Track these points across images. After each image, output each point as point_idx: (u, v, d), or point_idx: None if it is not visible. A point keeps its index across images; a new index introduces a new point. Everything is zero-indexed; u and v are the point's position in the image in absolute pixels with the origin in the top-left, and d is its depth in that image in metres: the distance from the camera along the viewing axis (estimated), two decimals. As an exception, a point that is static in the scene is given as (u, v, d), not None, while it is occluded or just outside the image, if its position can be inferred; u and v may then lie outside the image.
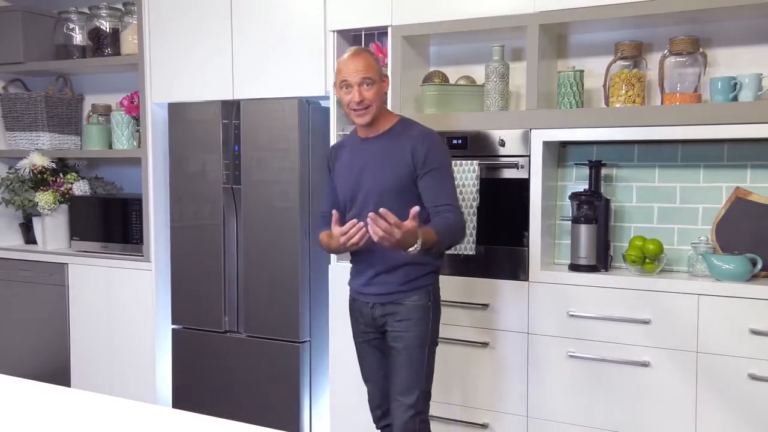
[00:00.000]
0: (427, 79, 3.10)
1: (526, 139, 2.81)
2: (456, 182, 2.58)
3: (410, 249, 2.18)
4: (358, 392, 3.01)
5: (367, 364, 2.56)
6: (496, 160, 2.87)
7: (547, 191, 2.89)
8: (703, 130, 2.53)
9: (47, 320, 4.03)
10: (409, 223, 2.13)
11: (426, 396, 2.44)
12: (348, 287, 2.58)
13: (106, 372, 3.87)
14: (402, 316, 2.40)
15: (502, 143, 2.86)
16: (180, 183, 3.57)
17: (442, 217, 2.32)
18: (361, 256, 2.47)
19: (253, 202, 3.37)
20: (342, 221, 2.30)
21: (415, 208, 2.16)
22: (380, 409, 2.56)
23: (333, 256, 3.20)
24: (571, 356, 2.74)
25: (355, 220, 2.27)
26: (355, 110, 2.38)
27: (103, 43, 3.94)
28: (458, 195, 2.49)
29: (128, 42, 3.82)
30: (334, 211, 2.32)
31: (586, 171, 2.90)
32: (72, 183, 4.02)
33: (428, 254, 2.30)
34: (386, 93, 2.42)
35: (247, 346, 3.43)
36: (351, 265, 2.58)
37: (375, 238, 2.12)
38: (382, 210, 2.11)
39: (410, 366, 2.39)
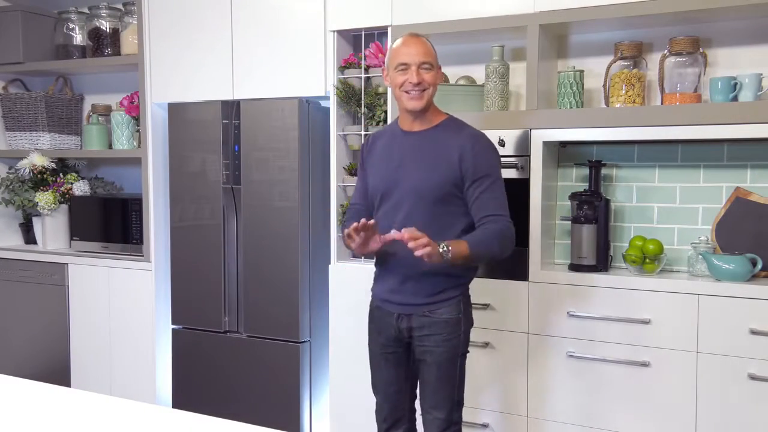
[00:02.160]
0: (427, 79, 3.09)
1: (525, 139, 2.81)
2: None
3: (439, 260, 2.03)
4: (358, 392, 3.01)
5: (381, 376, 2.38)
6: (496, 160, 2.87)
7: (547, 191, 2.89)
8: (703, 130, 2.53)
9: (47, 320, 4.02)
10: (420, 236, 1.99)
11: (459, 406, 2.31)
12: (371, 293, 2.41)
13: (106, 372, 3.87)
14: (431, 330, 2.22)
15: (502, 143, 2.85)
16: (180, 183, 3.57)
17: (483, 228, 2.16)
18: (387, 259, 2.28)
19: (253, 202, 3.37)
20: (370, 218, 2.14)
21: (370, 222, 2.08)
22: (386, 422, 2.41)
23: (333, 256, 3.20)
24: (571, 356, 2.75)
25: (363, 220, 2.10)
26: (409, 92, 2.20)
27: (103, 43, 3.94)
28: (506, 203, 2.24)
29: (128, 42, 3.82)
30: (368, 221, 2.12)
31: (586, 171, 2.90)
32: (72, 183, 4.02)
33: (457, 266, 2.14)
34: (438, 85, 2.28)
35: (247, 346, 3.43)
36: (375, 268, 2.39)
37: (419, 255, 1.98)
38: (405, 232, 1.99)
39: (441, 380, 2.24)
